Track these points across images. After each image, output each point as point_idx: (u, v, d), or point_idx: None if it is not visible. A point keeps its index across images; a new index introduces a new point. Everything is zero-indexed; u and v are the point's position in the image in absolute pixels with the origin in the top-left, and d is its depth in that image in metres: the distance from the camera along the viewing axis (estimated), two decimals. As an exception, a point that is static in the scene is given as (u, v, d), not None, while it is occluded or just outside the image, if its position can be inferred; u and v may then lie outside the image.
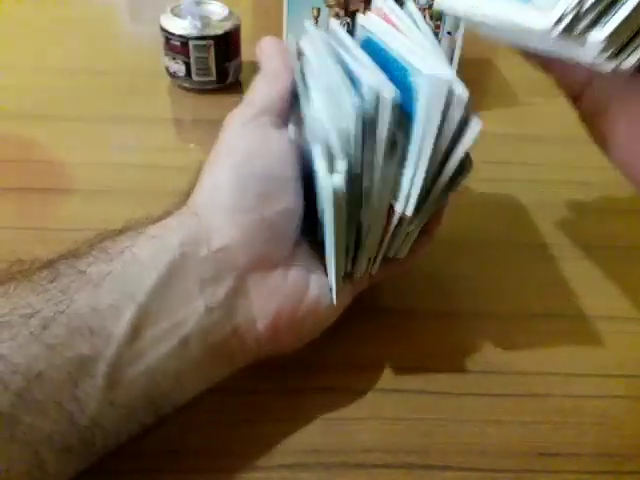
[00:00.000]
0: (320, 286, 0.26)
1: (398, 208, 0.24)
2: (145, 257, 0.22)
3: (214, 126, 0.25)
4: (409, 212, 0.24)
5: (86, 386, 0.20)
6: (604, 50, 0.18)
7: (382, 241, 0.26)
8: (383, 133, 0.22)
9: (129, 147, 0.43)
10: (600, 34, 0.18)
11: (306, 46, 0.26)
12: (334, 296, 0.26)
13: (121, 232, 0.23)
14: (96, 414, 0.20)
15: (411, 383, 0.28)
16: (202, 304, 0.22)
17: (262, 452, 0.25)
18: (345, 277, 0.27)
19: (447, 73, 0.21)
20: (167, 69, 0.49)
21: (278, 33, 0.43)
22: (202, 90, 0.49)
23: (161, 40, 0.48)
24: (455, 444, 0.26)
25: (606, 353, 0.31)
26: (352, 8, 0.43)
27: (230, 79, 0.50)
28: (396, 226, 0.25)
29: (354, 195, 0.23)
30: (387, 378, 0.28)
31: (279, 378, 0.28)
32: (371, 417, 0.27)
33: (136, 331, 0.21)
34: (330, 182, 0.21)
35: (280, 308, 0.24)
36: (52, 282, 0.21)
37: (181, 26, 0.46)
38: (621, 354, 0.30)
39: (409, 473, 0.25)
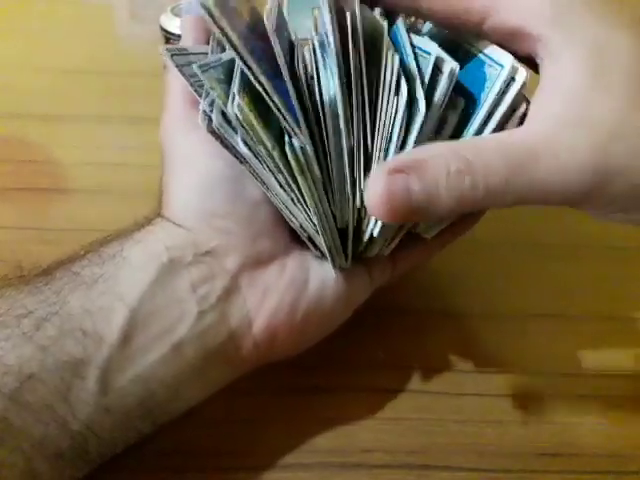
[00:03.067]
0: (322, 276, 0.24)
1: None
2: (134, 261, 0.22)
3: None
4: None
5: (78, 390, 0.20)
6: None
7: None
8: (438, 102, 0.21)
9: (129, 147, 0.43)
10: None
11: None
12: (331, 266, 0.24)
13: (113, 238, 0.23)
14: (89, 420, 0.20)
15: (411, 383, 0.28)
16: (194, 308, 0.22)
17: (262, 452, 0.25)
18: (356, 259, 0.25)
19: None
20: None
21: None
22: (202, 90, 0.49)
23: (161, 39, 0.48)
24: (455, 444, 0.26)
25: (606, 353, 0.30)
26: (352, 8, 0.43)
27: (230, 79, 0.50)
28: None
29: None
30: (387, 378, 0.28)
31: (279, 378, 0.28)
32: (371, 417, 0.27)
33: (127, 335, 0.21)
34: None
35: (277, 306, 0.23)
36: (47, 284, 0.21)
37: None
38: (621, 354, 0.30)
39: (409, 473, 0.25)
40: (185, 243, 0.23)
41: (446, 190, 0.18)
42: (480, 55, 0.22)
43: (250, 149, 0.21)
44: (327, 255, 0.24)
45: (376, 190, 0.18)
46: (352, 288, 0.25)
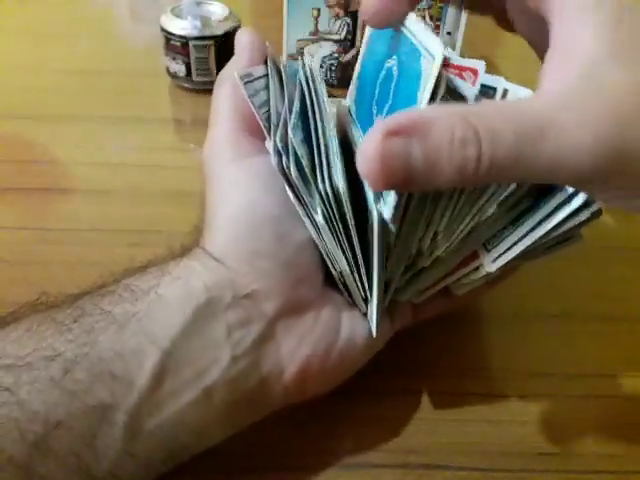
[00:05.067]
0: (352, 325, 0.24)
1: (485, 263, 0.24)
2: (171, 299, 0.21)
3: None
4: (493, 269, 0.24)
5: (105, 436, 0.19)
6: None
7: (446, 276, 0.25)
8: None
9: (129, 147, 0.43)
10: None
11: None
12: (374, 327, 0.24)
13: (146, 268, 0.22)
14: (113, 465, 0.19)
15: (411, 383, 0.28)
16: (228, 352, 0.21)
17: (263, 452, 0.25)
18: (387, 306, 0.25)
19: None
20: (167, 69, 0.49)
21: (278, 33, 0.43)
22: (202, 90, 0.49)
23: (161, 40, 0.48)
24: (455, 444, 0.26)
25: (606, 353, 0.30)
26: (352, 8, 0.43)
27: (230, 79, 0.50)
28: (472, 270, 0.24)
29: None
30: (387, 378, 0.28)
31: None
32: (371, 417, 0.27)
33: (159, 380, 0.20)
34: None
35: (310, 356, 0.23)
36: (75, 321, 0.20)
37: (181, 26, 0.46)
38: (621, 354, 0.30)
39: (409, 473, 0.25)
40: (225, 283, 0.22)
41: (448, 158, 0.16)
42: (416, 43, 0.21)
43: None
44: (374, 317, 0.24)
45: (369, 152, 0.16)
46: (379, 331, 0.25)
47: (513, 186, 0.22)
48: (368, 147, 0.16)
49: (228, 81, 0.25)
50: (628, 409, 0.28)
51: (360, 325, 0.24)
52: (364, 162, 0.16)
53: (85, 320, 0.20)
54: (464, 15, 0.43)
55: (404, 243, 0.23)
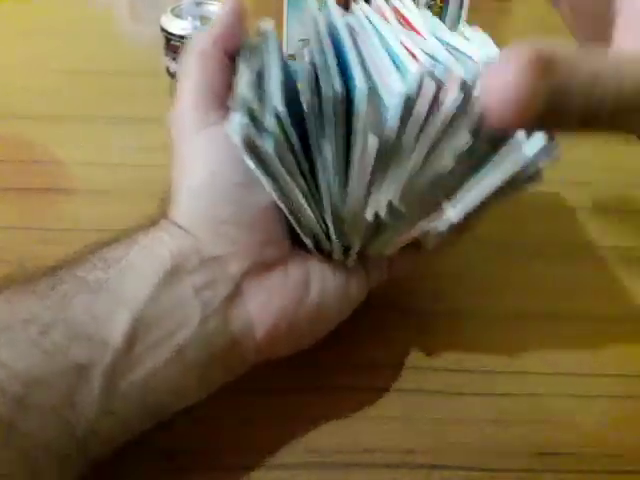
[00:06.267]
0: (323, 279, 0.25)
1: (448, 213, 0.24)
2: (139, 267, 0.22)
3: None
4: (456, 219, 0.24)
5: (83, 394, 0.20)
6: None
7: (411, 228, 0.25)
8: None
9: (129, 147, 0.43)
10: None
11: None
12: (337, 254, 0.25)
13: (117, 239, 0.23)
14: (93, 422, 0.20)
15: (411, 383, 0.28)
16: (198, 312, 0.22)
17: (262, 452, 0.25)
18: (358, 259, 0.26)
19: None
20: (167, 69, 0.49)
21: (278, 33, 0.43)
22: (202, 90, 0.49)
23: (161, 40, 0.48)
24: (455, 444, 0.26)
25: (606, 353, 0.30)
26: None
27: (230, 79, 0.50)
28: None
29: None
30: (387, 378, 0.28)
31: (278, 378, 0.28)
32: (371, 417, 0.27)
33: (131, 339, 0.21)
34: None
35: (279, 311, 0.24)
36: (53, 289, 0.21)
37: (181, 26, 0.46)
38: (621, 354, 0.30)
39: (409, 473, 0.25)
40: (190, 249, 0.23)
41: (580, 94, 0.16)
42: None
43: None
44: (334, 239, 0.24)
45: (501, 83, 0.15)
46: (351, 288, 0.26)
47: (467, 137, 0.22)
48: (502, 75, 0.15)
49: (196, 49, 0.25)
50: (628, 409, 0.28)
51: (331, 279, 0.25)
52: (495, 94, 0.15)
53: (61, 287, 0.21)
54: (464, 14, 0.43)
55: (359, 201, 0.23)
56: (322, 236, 0.25)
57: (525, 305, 0.33)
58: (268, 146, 0.21)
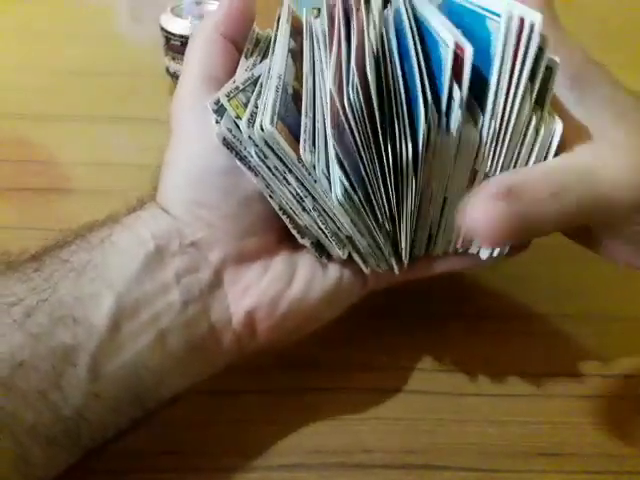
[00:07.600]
0: (307, 280, 0.24)
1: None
2: (123, 247, 0.22)
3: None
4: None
5: (69, 376, 0.20)
6: None
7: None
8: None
9: (129, 147, 0.43)
10: None
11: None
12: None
13: (103, 222, 0.23)
14: (80, 405, 0.20)
15: (411, 383, 0.28)
16: (179, 298, 0.22)
17: (262, 452, 0.25)
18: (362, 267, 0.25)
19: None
20: (167, 69, 0.49)
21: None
22: (202, 90, 0.49)
23: (161, 40, 0.48)
24: (455, 444, 0.26)
25: (606, 353, 0.30)
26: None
27: (230, 79, 0.50)
28: None
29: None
30: (387, 378, 0.28)
31: (280, 378, 0.28)
32: (371, 417, 0.27)
33: (116, 321, 0.21)
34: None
35: (255, 304, 0.23)
36: (36, 271, 0.21)
37: (181, 26, 0.46)
38: (621, 354, 0.30)
39: (409, 473, 0.25)
40: (171, 232, 0.23)
41: (545, 213, 0.20)
42: (478, 9, 0.21)
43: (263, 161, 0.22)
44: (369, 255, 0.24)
45: (479, 217, 0.20)
46: (341, 289, 0.25)
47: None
48: (478, 212, 0.20)
49: (201, 34, 0.25)
50: (628, 409, 0.28)
51: (320, 277, 0.25)
52: (480, 227, 0.20)
53: (45, 269, 0.21)
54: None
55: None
56: (322, 236, 0.24)
57: (526, 305, 0.33)
58: (249, 152, 0.21)
